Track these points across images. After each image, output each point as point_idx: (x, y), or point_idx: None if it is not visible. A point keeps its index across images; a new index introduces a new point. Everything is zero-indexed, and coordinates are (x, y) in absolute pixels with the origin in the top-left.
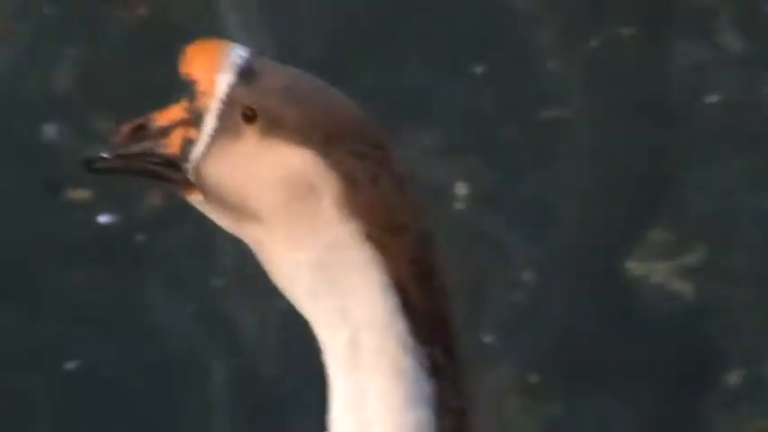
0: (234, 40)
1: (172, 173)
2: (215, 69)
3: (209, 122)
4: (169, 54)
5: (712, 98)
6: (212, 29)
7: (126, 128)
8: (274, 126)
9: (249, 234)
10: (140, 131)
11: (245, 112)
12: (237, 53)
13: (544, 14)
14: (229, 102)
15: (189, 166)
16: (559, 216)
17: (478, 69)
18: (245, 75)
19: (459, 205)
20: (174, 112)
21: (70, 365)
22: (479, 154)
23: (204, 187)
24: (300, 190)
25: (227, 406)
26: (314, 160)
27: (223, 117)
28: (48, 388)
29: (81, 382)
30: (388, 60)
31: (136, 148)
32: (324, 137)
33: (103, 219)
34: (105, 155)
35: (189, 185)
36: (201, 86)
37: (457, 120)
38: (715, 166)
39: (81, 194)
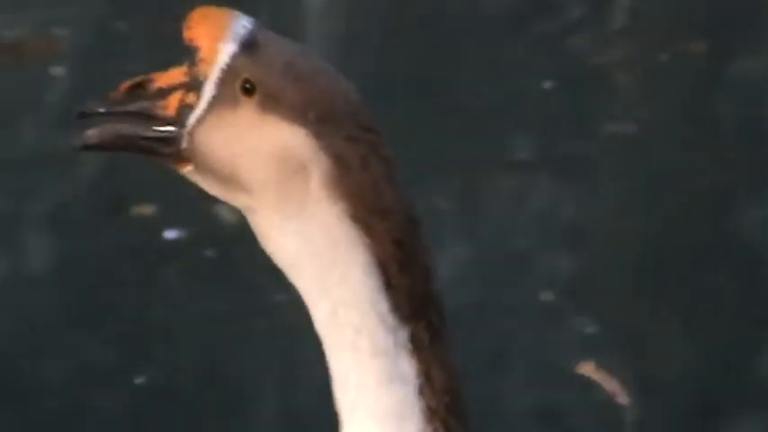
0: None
1: (162, 147)
2: (219, 38)
3: (208, 90)
4: None
5: None
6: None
7: (125, 85)
8: (272, 101)
9: (239, 202)
10: (138, 90)
11: (244, 84)
12: (242, 23)
13: (614, 30)
14: (230, 72)
15: (184, 132)
16: (625, 229)
17: (547, 85)
18: (248, 46)
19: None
20: (174, 75)
21: (139, 380)
22: (548, 168)
23: (195, 155)
24: (291, 167)
25: (298, 420)
26: (307, 140)
27: (222, 86)
28: (117, 403)
29: (150, 397)
30: (458, 76)
31: (132, 106)
32: (319, 117)
33: (170, 234)
34: (101, 109)
35: (180, 158)
36: (203, 53)
37: (526, 134)
38: None
39: (147, 210)
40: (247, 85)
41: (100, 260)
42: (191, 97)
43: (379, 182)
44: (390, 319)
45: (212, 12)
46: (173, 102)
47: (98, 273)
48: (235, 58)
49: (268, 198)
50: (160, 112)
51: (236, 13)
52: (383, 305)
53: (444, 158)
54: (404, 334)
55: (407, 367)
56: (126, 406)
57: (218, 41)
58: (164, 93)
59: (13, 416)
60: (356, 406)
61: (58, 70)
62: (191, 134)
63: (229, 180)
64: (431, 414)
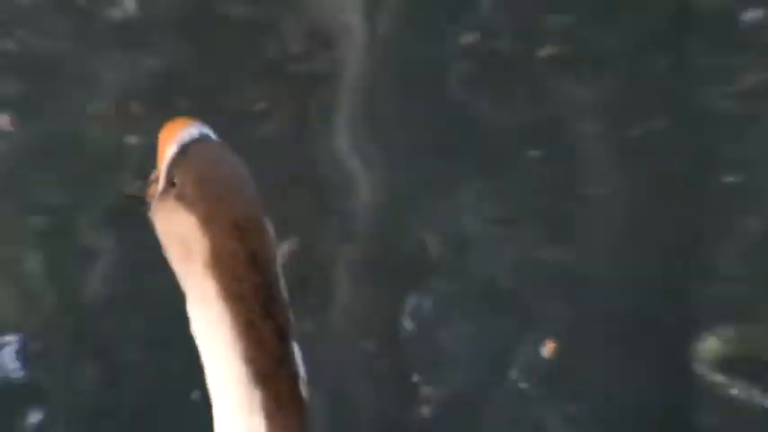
0: None
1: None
2: (170, 141)
3: (160, 182)
4: None
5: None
6: None
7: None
8: (181, 194)
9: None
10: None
11: (170, 179)
12: (192, 132)
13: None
14: (168, 169)
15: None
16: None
17: (535, 153)
18: (183, 150)
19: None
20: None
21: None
22: (532, 224)
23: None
24: (187, 247)
25: None
26: (195, 228)
27: (165, 181)
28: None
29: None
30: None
31: (138, 192)
32: (206, 212)
33: None
34: (128, 193)
35: None
36: (160, 152)
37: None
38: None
39: None
40: (172, 180)
41: None
42: (155, 189)
43: (241, 271)
44: (245, 385)
45: (178, 121)
46: (151, 191)
47: None
48: (172, 158)
49: (179, 270)
50: (147, 199)
51: (194, 122)
52: (241, 374)
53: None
54: (257, 399)
55: (259, 428)
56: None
57: (169, 144)
58: (150, 183)
59: None
60: None
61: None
62: (152, 219)
63: (167, 255)
64: None
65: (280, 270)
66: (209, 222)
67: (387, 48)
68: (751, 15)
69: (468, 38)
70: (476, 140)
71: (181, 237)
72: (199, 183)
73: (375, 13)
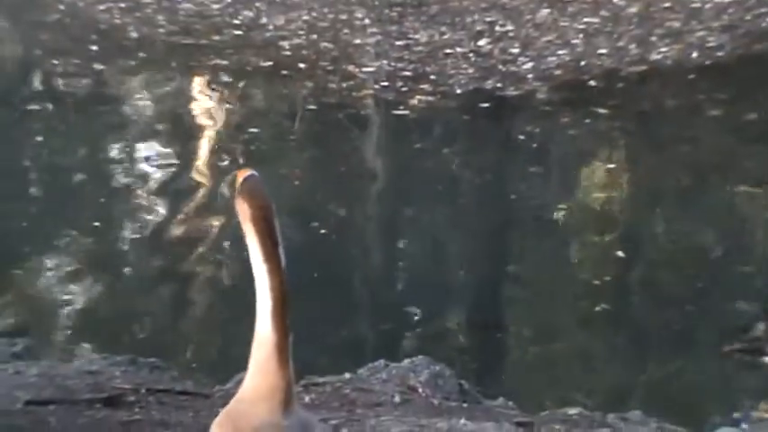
0: None
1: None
2: (240, 176)
3: (236, 191)
4: None
5: None
6: None
7: None
8: (241, 194)
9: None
10: None
11: (238, 190)
12: (246, 173)
13: None
14: (239, 186)
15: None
16: None
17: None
18: (244, 180)
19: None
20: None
21: None
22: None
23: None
24: (244, 214)
25: None
26: (246, 207)
27: (237, 190)
28: None
29: None
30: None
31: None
32: (249, 201)
33: None
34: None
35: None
36: (238, 180)
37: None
38: None
39: None
40: (240, 189)
41: None
42: None
43: (260, 223)
44: (260, 260)
45: (243, 169)
46: (235, 194)
47: None
48: (240, 182)
49: (242, 224)
50: None
51: (251, 171)
52: (259, 256)
53: None
54: (264, 264)
55: (263, 271)
56: None
57: (240, 177)
58: (235, 192)
59: None
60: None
61: None
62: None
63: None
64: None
65: (276, 221)
66: (250, 205)
67: None
68: None
69: None
70: None
71: (242, 210)
72: (247, 191)
73: None
